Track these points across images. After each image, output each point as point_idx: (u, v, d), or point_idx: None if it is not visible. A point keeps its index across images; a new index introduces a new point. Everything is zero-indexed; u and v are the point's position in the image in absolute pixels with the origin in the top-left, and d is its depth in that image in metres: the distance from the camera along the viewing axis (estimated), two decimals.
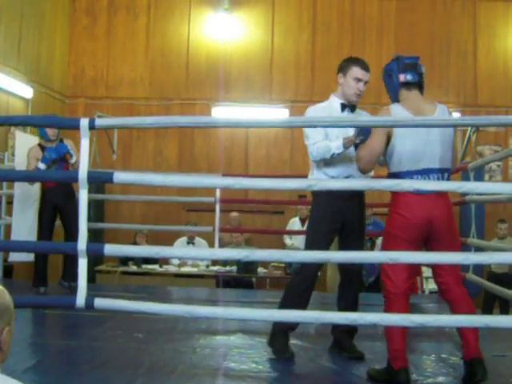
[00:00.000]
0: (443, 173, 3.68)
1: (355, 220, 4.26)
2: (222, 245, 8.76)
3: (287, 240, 9.50)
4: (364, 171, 3.88)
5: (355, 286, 4.40)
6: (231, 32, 10.86)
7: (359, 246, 4.25)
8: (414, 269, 3.95)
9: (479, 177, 7.83)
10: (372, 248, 8.53)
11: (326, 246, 4.12)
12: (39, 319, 5.27)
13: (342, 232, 4.25)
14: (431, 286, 8.90)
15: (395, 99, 3.83)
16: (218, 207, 6.99)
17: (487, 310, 8.31)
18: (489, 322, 3.29)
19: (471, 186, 3.46)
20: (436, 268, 3.73)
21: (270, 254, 3.58)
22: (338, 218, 4.17)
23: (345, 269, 4.32)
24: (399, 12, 10.88)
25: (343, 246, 4.28)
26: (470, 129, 8.64)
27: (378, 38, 10.84)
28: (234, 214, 9.52)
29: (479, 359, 3.59)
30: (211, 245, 8.05)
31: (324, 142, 4.16)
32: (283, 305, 4.13)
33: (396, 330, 3.60)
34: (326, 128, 4.15)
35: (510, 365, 4.29)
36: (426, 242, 3.71)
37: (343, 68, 4.31)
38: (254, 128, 9.97)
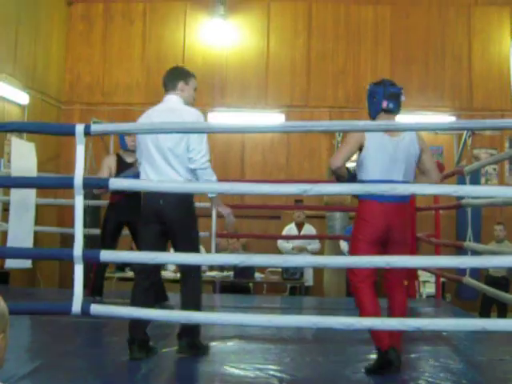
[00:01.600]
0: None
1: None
2: (219, 250, 8.75)
3: (284, 244, 9.44)
4: (334, 172, 4.16)
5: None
6: (227, 38, 10.88)
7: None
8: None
9: (475, 180, 7.84)
10: None
11: None
12: (36, 325, 5.26)
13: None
14: (428, 289, 8.91)
15: (373, 117, 4.20)
16: (214, 212, 6.98)
17: (485, 313, 8.31)
18: (486, 325, 3.29)
19: (467, 190, 3.46)
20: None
21: (266, 259, 3.58)
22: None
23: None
24: (394, 17, 10.91)
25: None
26: (465, 132, 8.66)
27: (373, 43, 10.86)
28: None
29: (394, 348, 3.86)
30: (208, 250, 8.04)
31: None
32: (198, 307, 4.13)
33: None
34: None
35: (508, 369, 4.28)
36: (385, 244, 4.07)
37: (186, 77, 4.59)
38: (250, 133, 9.97)
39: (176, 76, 4.60)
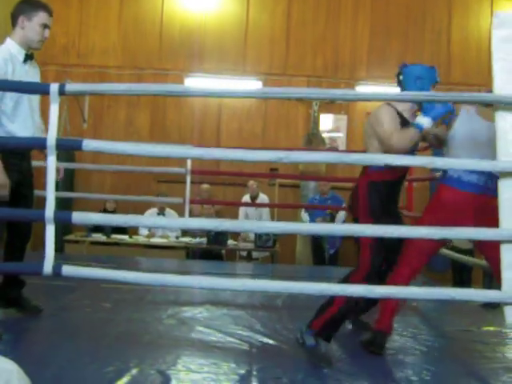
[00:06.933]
0: None
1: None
2: (193, 216, 8.74)
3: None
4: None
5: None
6: (206, 2, 10.75)
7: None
8: None
9: None
10: (332, 221, 8.57)
11: None
12: None
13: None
14: None
15: None
16: (188, 178, 6.94)
17: (458, 284, 8.44)
18: (455, 294, 3.31)
19: (441, 163, 3.46)
20: None
21: (240, 225, 3.58)
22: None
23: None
24: None
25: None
26: None
27: (354, 12, 10.79)
28: (205, 186, 9.49)
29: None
30: (182, 216, 8.03)
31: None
32: None
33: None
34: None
35: (475, 339, 4.35)
36: None
37: (27, 11, 3.99)
38: (228, 98, 9.93)
39: (17, 10, 4.01)
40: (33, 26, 3.99)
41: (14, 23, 4.01)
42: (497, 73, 3.25)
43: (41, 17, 4.01)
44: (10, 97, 3.90)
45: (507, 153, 3.22)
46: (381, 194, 3.85)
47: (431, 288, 3.42)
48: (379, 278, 3.76)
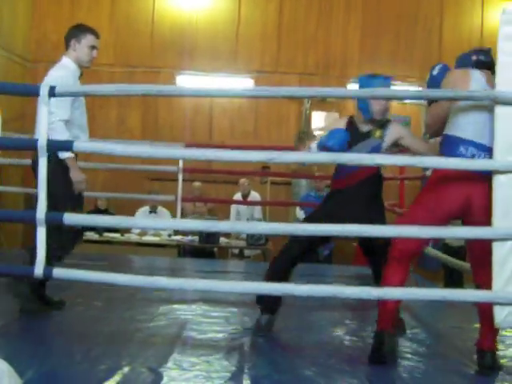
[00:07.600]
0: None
1: None
2: (185, 214, 8.75)
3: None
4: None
5: None
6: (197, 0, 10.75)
7: None
8: None
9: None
10: None
11: None
12: None
13: None
14: None
15: None
16: (180, 177, 6.96)
17: (449, 283, 8.46)
18: (446, 295, 3.34)
19: (432, 161, 3.48)
20: None
21: (232, 226, 3.58)
22: None
23: None
24: None
25: None
26: None
27: (346, 11, 10.81)
28: (197, 183, 9.50)
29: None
30: (174, 214, 8.03)
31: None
32: None
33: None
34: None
35: (466, 336, 4.37)
36: None
37: (77, 35, 4.53)
38: (219, 97, 9.93)
39: (69, 35, 4.56)
40: (82, 47, 4.49)
41: (67, 46, 4.51)
42: (500, 69, 3.21)
43: (89, 39, 4.54)
44: (79, 101, 4.33)
45: (503, 152, 3.21)
46: (328, 199, 4.44)
47: (423, 289, 3.45)
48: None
